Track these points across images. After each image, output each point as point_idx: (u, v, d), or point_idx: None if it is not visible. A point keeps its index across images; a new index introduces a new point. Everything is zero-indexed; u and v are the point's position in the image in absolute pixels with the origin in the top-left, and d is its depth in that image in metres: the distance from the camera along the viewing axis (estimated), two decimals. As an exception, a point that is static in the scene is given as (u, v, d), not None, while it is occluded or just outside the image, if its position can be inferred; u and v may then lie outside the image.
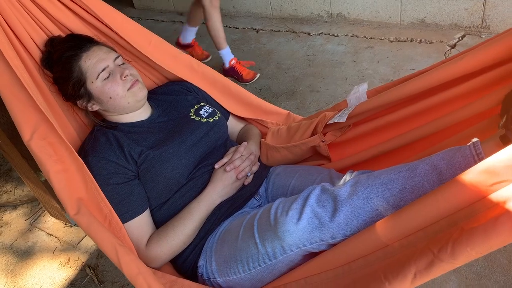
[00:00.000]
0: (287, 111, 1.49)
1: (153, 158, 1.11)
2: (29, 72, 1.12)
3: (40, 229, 1.94)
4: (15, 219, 2.01)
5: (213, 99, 1.38)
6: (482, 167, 0.64)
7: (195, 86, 1.36)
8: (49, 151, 1.04)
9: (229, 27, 3.27)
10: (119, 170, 1.09)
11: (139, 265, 1.01)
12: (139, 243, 1.09)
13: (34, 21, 1.18)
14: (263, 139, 1.34)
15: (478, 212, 0.63)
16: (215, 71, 1.43)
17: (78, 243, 1.82)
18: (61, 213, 1.86)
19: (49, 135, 1.05)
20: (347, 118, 1.09)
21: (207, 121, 1.25)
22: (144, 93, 1.18)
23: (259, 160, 1.29)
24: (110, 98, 1.14)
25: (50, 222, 1.95)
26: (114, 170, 1.08)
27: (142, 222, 1.11)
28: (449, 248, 0.63)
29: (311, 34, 2.88)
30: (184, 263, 1.13)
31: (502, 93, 0.82)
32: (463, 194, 0.66)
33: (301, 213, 0.86)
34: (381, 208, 0.81)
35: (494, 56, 0.82)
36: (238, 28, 3.21)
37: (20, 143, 1.61)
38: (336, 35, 2.81)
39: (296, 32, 2.96)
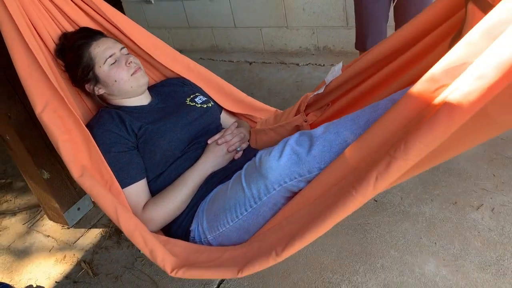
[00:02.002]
0: (274, 109, 1.64)
1: (152, 132, 1.24)
2: (49, 65, 1.27)
3: (37, 231, 2.00)
4: (14, 224, 2.08)
5: (207, 93, 1.53)
6: (425, 77, 0.75)
7: (191, 81, 1.52)
8: (58, 123, 1.17)
9: (224, 61, 3.51)
10: (121, 140, 1.21)
11: (136, 222, 1.11)
12: (136, 207, 1.19)
13: (51, 17, 1.35)
14: (252, 128, 1.48)
15: (425, 115, 0.74)
16: (210, 71, 1.60)
17: (75, 242, 1.89)
18: (59, 214, 1.94)
19: (59, 109, 1.18)
20: (325, 92, 1.24)
21: (201, 107, 1.39)
22: (145, 79, 1.34)
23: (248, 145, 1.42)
24: (115, 81, 1.28)
25: (48, 225, 2.02)
26: (116, 140, 1.20)
27: (140, 189, 1.21)
28: (402, 146, 0.73)
29: (300, 65, 3.11)
30: (178, 230, 1.22)
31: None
32: (412, 104, 0.77)
33: (282, 152, 0.97)
34: (349, 140, 0.93)
35: (442, 12, 0.97)
36: (233, 62, 3.45)
37: (27, 138, 1.74)
38: (322, 65, 3.04)
39: (286, 63, 3.19)
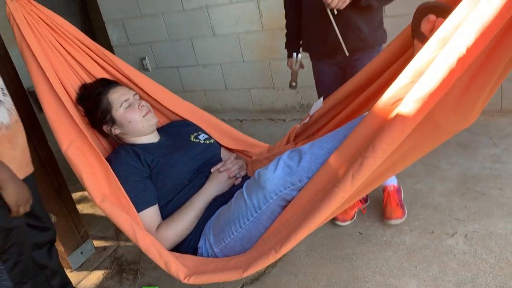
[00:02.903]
0: (267, 144, 1.85)
1: (163, 164, 1.44)
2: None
3: (41, 276, 2.08)
4: (17, 271, 2.15)
5: (208, 132, 1.75)
6: (385, 95, 0.96)
7: (193, 122, 1.74)
8: (81, 158, 1.37)
9: (217, 120, 3.78)
10: (136, 171, 1.40)
11: (152, 239, 1.27)
12: (150, 229, 1.35)
13: (72, 71, 1.59)
14: (248, 160, 1.68)
15: (386, 122, 0.93)
16: (211, 115, 1.84)
17: (78, 284, 1.97)
18: (63, 257, 2.03)
19: (83, 146, 1.39)
20: (310, 122, 1.46)
21: (204, 143, 1.61)
22: (155, 120, 1.55)
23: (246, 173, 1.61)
24: (130, 122, 1.50)
25: (51, 270, 2.10)
26: (133, 171, 1.40)
27: (153, 213, 1.39)
28: (370, 147, 0.93)
29: (286, 120, 3.38)
30: (186, 249, 1.37)
31: None
32: (377, 116, 0.97)
33: (276, 166, 1.17)
34: (331, 151, 1.12)
35: (398, 49, 1.21)
36: (225, 120, 3.70)
37: (39, 184, 1.88)
38: (307, 120, 3.30)
39: (273, 120, 3.46)
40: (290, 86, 2.06)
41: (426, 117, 0.93)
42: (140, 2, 3.76)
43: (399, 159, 1.04)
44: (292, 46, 2.03)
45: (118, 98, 1.51)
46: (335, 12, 1.64)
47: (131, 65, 4.18)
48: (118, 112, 1.50)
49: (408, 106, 0.89)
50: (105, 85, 1.54)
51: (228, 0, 3.37)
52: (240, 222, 1.23)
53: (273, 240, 1.16)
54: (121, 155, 1.44)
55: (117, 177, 1.36)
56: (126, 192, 1.35)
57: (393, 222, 1.94)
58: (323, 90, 2.05)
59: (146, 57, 4.03)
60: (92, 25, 5.42)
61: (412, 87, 0.91)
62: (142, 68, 4.08)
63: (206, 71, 3.82)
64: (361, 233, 1.93)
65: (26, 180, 1.27)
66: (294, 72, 2.02)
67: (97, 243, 2.23)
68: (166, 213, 1.42)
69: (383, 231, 1.92)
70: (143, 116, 1.52)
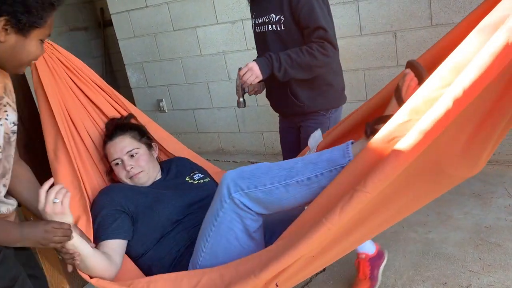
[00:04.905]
0: None
1: (143, 211, 1.49)
2: (77, 149, 1.56)
3: (44, 314, 2.05)
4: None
5: (205, 170, 1.80)
6: (383, 131, 0.96)
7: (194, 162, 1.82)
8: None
9: (229, 161, 3.81)
10: (112, 203, 1.47)
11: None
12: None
13: (85, 111, 1.66)
14: None
15: (381, 160, 0.92)
16: (214, 166, 1.94)
17: (80, 324, 1.93)
18: (69, 296, 2.01)
19: (74, 192, 1.42)
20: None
21: (198, 183, 1.64)
22: (144, 180, 1.59)
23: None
24: (117, 176, 1.60)
25: (55, 309, 2.07)
26: (109, 203, 1.47)
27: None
28: (362, 181, 0.92)
29: (298, 164, 3.39)
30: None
31: None
32: (373, 153, 0.97)
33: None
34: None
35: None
36: (237, 162, 3.75)
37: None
38: (319, 164, 3.31)
39: (285, 163, 3.47)
40: (238, 105, 1.77)
41: (432, 164, 0.93)
42: (160, 47, 3.93)
43: (406, 204, 1.04)
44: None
45: (111, 154, 1.60)
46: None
47: (148, 106, 4.28)
48: (111, 164, 1.62)
49: (403, 144, 0.88)
50: (109, 134, 1.64)
51: (244, 47, 3.50)
52: (206, 235, 1.23)
53: (252, 262, 1.11)
54: (107, 188, 1.55)
55: (95, 206, 1.46)
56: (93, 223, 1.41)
57: None
58: (285, 145, 2.13)
59: (163, 99, 4.15)
60: (113, 67, 5.64)
61: (410, 125, 0.90)
62: (159, 109, 4.19)
63: (221, 114, 3.90)
64: (371, 282, 1.88)
65: None
66: (236, 86, 1.73)
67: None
68: (149, 259, 1.45)
69: (395, 280, 1.86)
70: (129, 177, 1.57)
